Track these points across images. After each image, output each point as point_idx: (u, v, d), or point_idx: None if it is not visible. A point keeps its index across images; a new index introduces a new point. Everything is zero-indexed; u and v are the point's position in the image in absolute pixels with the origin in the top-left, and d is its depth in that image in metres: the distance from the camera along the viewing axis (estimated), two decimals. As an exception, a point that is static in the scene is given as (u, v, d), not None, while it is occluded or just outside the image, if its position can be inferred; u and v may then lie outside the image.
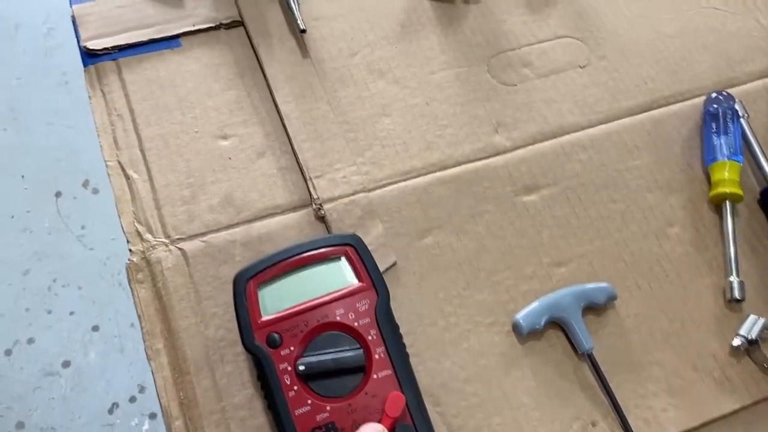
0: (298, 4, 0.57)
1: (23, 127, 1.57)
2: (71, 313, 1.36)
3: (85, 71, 0.55)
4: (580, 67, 0.60)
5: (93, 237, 1.45)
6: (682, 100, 0.59)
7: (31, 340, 1.33)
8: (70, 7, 0.58)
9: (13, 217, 1.46)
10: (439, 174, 0.53)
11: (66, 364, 1.31)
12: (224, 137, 0.53)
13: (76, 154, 1.54)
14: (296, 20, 0.56)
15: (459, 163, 0.54)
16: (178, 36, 0.57)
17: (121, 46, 0.56)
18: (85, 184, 1.51)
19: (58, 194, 1.50)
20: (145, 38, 0.57)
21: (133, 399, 1.26)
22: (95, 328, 1.36)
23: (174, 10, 0.58)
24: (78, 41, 0.56)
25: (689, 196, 0.54)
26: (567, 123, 0.57)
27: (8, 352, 1.32)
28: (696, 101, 0.59)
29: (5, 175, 1.50)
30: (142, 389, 1.26)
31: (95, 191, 1.50)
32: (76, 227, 1.46)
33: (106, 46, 0.55)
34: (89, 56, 0.56)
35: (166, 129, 0.53)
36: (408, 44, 0.59)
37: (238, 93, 0.56)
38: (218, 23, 0.58)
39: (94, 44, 0.55)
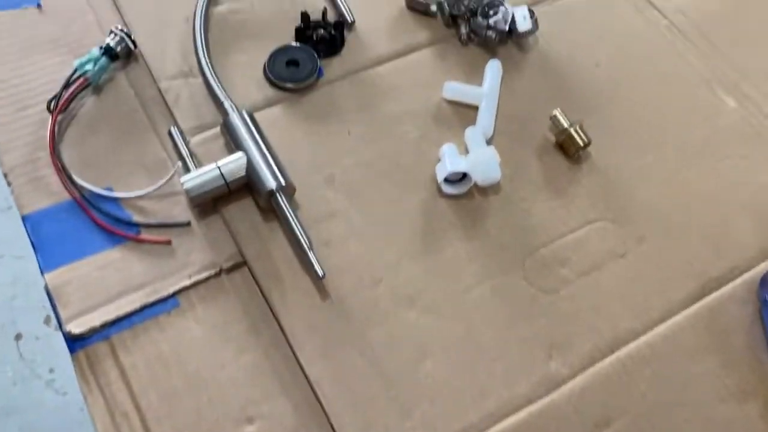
0: (310, 243, 0.50)
1: (-33, 265, 1.45)
2: (52, 472, 1.25)
3: (72, 359, 0.47)
4: (620, 257, 0.55)
5: (64, 379, 1.34)
6: (732, 279, 0.54)
7: None
8: (42, 276, 0.50)
9: (-29, 371, 1.34)
10: (500, 426, 0.47)
11: None
12: (249, 420, 0.46)
13: (32, 287, 1.43)
14: (313, 266, 0.49)
15: (519, 407, 0.48)
16: (173, 294, 0.50)
17: (110, 321, 0.48)
18: (47, 320, 1.40)
19: (18, 337, 1.38)
20: (137, 305, 0.49)
21: None
22: (82, 485, 1.25)
23: (164, 261, 0.51)
24: (59, 322, 0.48)
25: (766, 400, 0.50)
26: (622, 331, 0.51)
27: None
28: (747, 277, 0.54)
29: (-44, 324, 1.38)
30: None
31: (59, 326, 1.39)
32: (44, 371, 1.35)
33: (93, 325, 0.48)
34: (74, 340, 0.48)
35: (181, 421, 0.46)
36: (433, 258, 0.53)
37: (255, 356, 0.48)
38: (218, 268, 0.51)
39: (79, 326, 0.48)
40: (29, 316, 1.39)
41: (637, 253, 0.55)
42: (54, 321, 1.41)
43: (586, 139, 0.57)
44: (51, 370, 1.34)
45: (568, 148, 0.58)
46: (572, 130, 0.57)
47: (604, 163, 0.59)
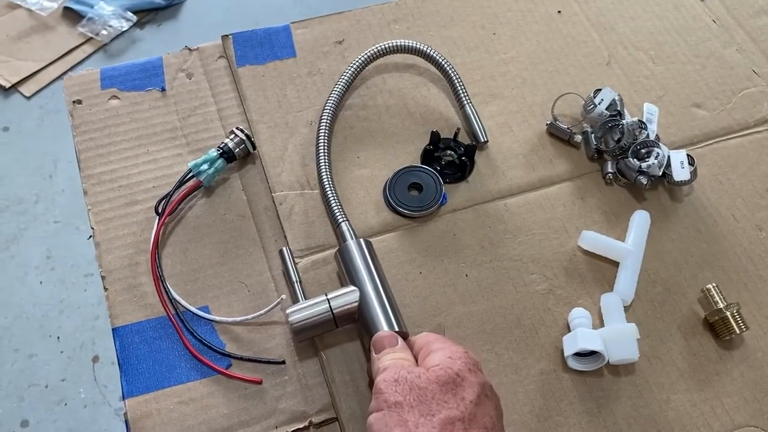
0: None
1: (59, 279, 1.48)
2: (108, 506, 1.25)
3: (141, 505, 0.43)
4: (772, 476, 0.46)
5: (131, 410, 1.34)
6: None
7: None
8: (123, 401, 0.46)
9: (47, 386, 1.36)
10: None
11: None
12: None
13: (115, 310, 1.44)
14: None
15: None
16: (257, 445, 0.45)
17: (186, 469, 0.44)
18: (124, 346, 1.40)
19: (95, 359, 1.39)
20: (216, 453, 0.45)
21: None
22: None
23: (252, 403, 0.46)
24: (133, 459, 0.44)
25: None
26: None
27: None
28: None
29: (41, 336, 1.40)
30: None
31: None
32: (114, 399, 1.35)
33: (168, 471, 0.43)
34: (146, 484, 0.44)
35: None
36: (548, 446, 0.46)
37: None
38: (308, 422, 0.46)
39: (153, 470, 0.43)
40: (109, 340, 1.40)
41: (793, 476, 0.46)
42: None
43: (743, 326, 0.49)
44: (121, 399, 1.34)
45: (720, 331, 0.50)
46: (729, 314, 0.49)
47: (761, 354, 0.50)
